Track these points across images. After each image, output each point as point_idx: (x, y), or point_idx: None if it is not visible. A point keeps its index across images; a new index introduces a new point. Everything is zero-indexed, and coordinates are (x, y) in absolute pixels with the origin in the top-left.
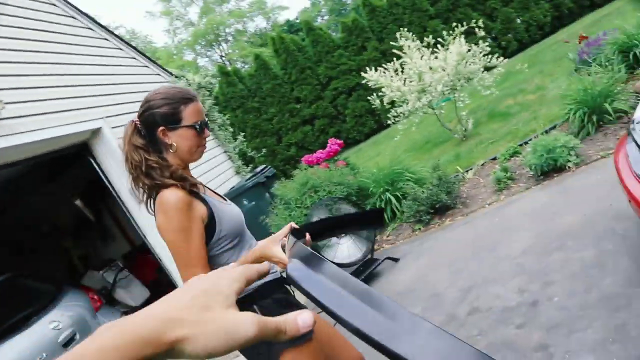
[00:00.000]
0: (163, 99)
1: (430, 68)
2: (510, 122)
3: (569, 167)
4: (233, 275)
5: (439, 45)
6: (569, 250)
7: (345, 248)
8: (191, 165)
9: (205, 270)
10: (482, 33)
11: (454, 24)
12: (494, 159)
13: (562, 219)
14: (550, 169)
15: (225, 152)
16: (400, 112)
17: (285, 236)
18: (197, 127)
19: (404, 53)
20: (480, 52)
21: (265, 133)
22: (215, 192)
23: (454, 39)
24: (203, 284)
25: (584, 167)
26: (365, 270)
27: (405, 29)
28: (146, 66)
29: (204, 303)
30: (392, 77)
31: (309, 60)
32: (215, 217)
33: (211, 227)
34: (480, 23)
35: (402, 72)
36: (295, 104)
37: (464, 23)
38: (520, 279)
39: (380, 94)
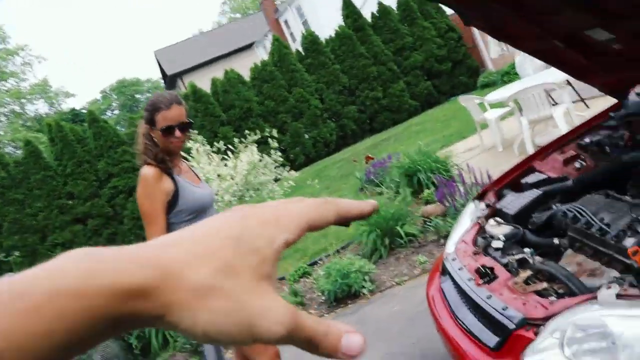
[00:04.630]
0: (149, 104)
1: (219, 175)
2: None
3: (363, 293)
4: (293, 216)
5: (229, 152)
6: None
7: None
8: None
9: (162, 231)
10: (275, 144)
11: (246, 131)
12: (282, 279)
13: (362, 358)
14: (344, 295)
15: None
16: None
17: None
18: (165, 130)
19: (191, 157)
20: (272, 163)
21: (28, 229)
22: (198, 177)
23: (246, 146)
24: (237, 225)
25: (378, 295)
26: None
27: (196, 132)
28: None
29: (226, 261)
30: None
31: (88, 154)
32: (179, 194)
33: (174, 201)
34: (274, 133)
35: None
36: (68, 199)
37: (257, 131)
38: None
39: None
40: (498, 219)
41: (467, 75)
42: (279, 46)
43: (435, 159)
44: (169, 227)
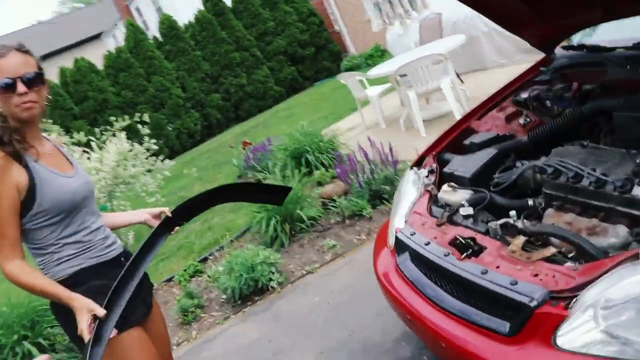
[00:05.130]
0: None
1: None
2: (179, 234)
3: (272, 287)
4: None
5: (92, 144)
6: None
7: None
8: None
9: (11, 244)
10: (146, 130)
11: (112, 118)
12: (170, 279)
13: None
14: (249, 292)
15: None
16: None
17: (157, 216)
18: (4, 87)
19: None
20: (144, 153)
21: None
22: (69, 160)
23: (114, 135)
24: None
25: (289, 287)
26: None
27: (50, 122)
28: None
29: None
30: None
31: None
32: (36, 188)
33: (29, 196)
34: (146, 117)
35: None
36: None
37: (125, 117)
38: None
39: None
40: (452, 184)
41: (330, 60)
42: (134, 32)
43: (321, 138)
44: (26, 235)
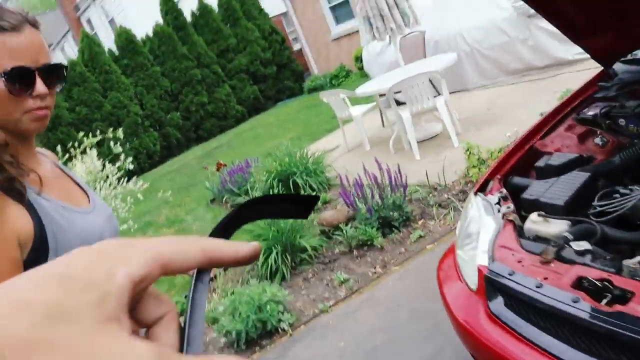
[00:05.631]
0: None
1: None
2: None
3: (282, 329)
4: (139, 249)
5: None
6: None
7: None
8: None
9: None
10: (119, 148)
11: (81, 134)
12: None
13: None
14: (257, 335)
15: None
16: None
17: None
18: (15, 75)
19: None
20: (116, 173)
21: None
22: (79, 185)
23: (83, 152)
24: (63, 261)
25: (302, 329)
26: None
27: None
28: None
29: (52, 303)
30: None
31: None
32: (47, 236)
33: (39, 252)
34: (120, 133)
35: None
36: None
37: (98, 133)
38: None
39: None
40: (542, 213)
41: (293, 80)
42: (90, 43)
43: (307, 160)
44: None
